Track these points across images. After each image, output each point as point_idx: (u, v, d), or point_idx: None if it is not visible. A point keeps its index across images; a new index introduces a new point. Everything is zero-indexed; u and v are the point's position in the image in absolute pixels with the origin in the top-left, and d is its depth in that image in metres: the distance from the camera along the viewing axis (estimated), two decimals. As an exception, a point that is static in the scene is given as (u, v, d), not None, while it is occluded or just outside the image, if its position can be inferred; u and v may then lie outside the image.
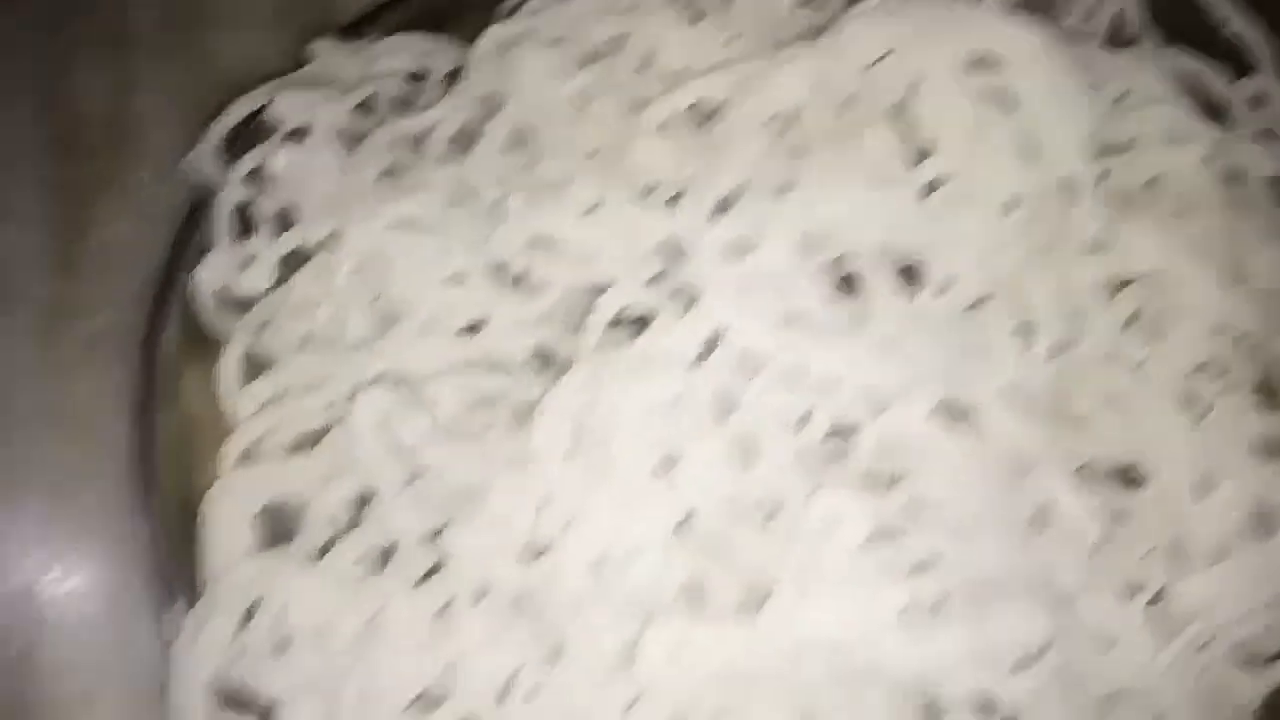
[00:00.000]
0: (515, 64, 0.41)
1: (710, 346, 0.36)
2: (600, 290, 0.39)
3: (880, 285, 0.36)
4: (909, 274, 0.37)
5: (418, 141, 0.43)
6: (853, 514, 0.34)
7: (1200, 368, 0.39)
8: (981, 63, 0.37)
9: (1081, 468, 0.39)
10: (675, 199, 0.38)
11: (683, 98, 0.39)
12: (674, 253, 0.38)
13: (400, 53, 0.47)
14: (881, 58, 0.37)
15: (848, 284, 0.38)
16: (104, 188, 0.51)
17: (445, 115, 0.42)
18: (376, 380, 0.41)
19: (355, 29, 0.49)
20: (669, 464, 0.36)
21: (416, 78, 0.47)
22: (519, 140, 0.41)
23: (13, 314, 0.49)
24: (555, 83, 0.41)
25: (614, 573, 0.36)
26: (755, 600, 0.35)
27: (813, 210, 0.36)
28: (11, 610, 0.45)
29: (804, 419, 0.36)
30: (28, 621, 0.45)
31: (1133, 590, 0.37)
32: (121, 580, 0.46)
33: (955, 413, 0.37)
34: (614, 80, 0.41)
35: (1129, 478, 0.39)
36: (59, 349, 0.49)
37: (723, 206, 0.37)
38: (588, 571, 0.36)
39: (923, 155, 0.37)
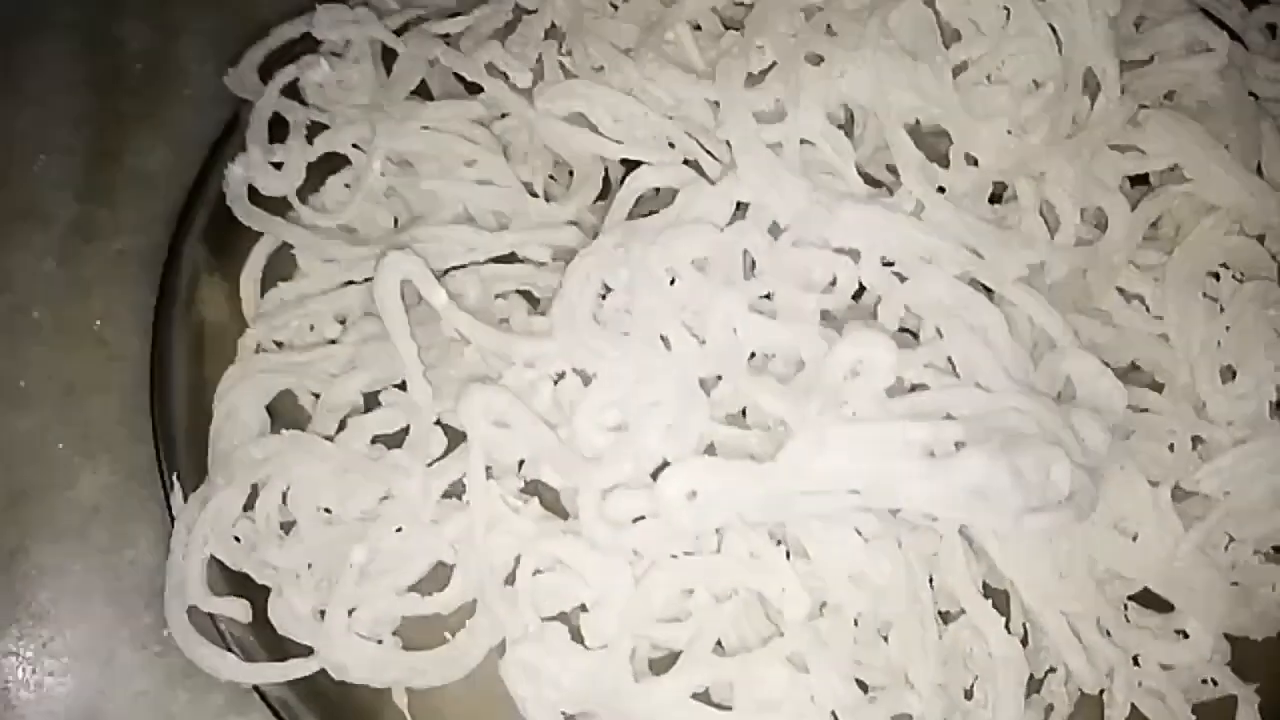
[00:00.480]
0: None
1: (740, 211, 0.36)
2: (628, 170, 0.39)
3: (908, 155, 0.36)
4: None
5: (453, 41, 0.44)
6: (879, 357, 0.33)
7: (1221, 265, 0.39)
8: None
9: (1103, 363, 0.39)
10: (707, 76, 0.39)
11: None
12: (703, 130, 0.39)
13: (441, -8, 0.49)
14: None
15: (871, 181, 0.39)
16: (141, 121, 0.52)
17: (482, 17, 0.43)
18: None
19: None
20: (693, 323, 0.35)
21: (455, 15, 0.49)
22: (556, 35, 0.42)
23: (41, 233, 0.49)
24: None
25: (631, 428, 0.35)
26: (771, 449, 0.34)
27: (842, 79, 0.36)
28: (11, 509, 0.45)
29: (830, 282, 0.36)
30: (26, 522, 0.44)
31: (1155, 483, 0.37)
32: (123, 487, 0.45)
33: (980, 289, 0.36)
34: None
35: (1145, 382, 0.39)
36: (81, 267, 0.49)
37: (756, 79, 0.37)
38: (604, 430, 0.35)
39: (953, 41, 0.38)
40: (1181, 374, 0.37)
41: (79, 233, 0.49)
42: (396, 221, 0.45)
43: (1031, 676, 0.37)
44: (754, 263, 0.36)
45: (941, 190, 0.36)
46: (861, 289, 0.36)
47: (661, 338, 0.35)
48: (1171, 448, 0.37)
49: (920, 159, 0.36)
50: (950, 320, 0.35)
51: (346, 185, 0.45)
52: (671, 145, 0.40)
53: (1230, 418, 0.37)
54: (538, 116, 0.40)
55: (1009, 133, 0.37)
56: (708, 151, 0.39)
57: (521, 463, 0.38)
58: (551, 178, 0.45)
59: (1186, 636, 0.37)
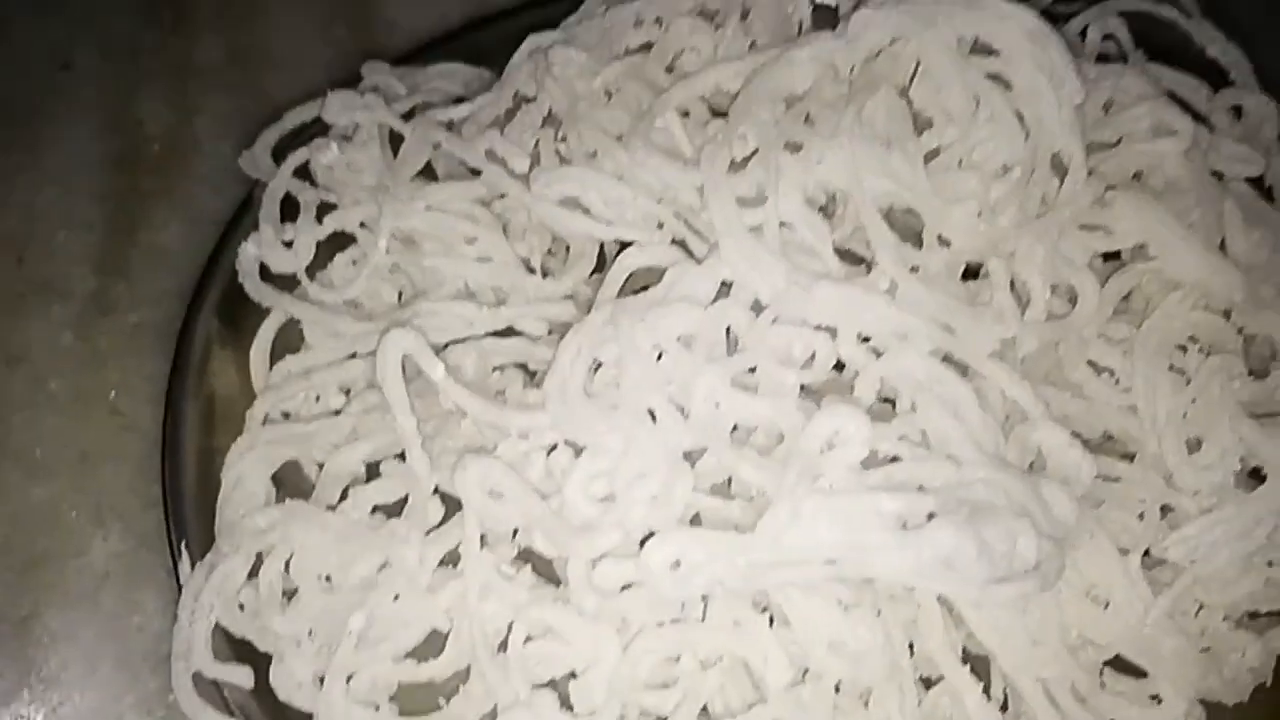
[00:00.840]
0: (551, 58, 0.44)
1: (723, 290, 0.38)
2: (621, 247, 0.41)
3: (881, 237, 0.37)
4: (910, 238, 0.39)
5: (456, 127, 0.46)
6: (854, 430, 0.34)
7: (1188, 339, 0.40)
8: (978, 47, 0.40)
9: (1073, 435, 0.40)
10: (693, 162, 0.41)
11: (702, 82, 0.42)
12: (690, 211, 0.40)
13: (445, 77, 0.52)
14: (888, 44, 0.40)
15: (850, 258, 0.41)
16: (157, 198, 0.54)
17: (484, 105, 0.45)
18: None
19: (402, 60, 0.53)
20: (678, 397, 0.37)
21: (459, 101, 0.51)
22: (552, 123, 0.44)
23: (58, 305, 0.51)
24: (586, 75, 0.44)
25: (619, 496, 0.36)
26: (753, 518, 0.35)
27: (820, 165, 0.38)
28: (25, 576, 0.46)
29: (809, 357, 0.37)
30: (39, 588, 0.46)
31: (1124, 551, 0.38)
32: (133, 554, 0.47)
33: (953, 364, 0.38)
34: (641, 74, 0.44)
35: (1118, 452, 0.40)
36: (97, 339, 0.51)
37: (738, 165, 0.39)
38: (593, 496, 0.37)
39: (925, 129, 0.40)
40: (1150, 444, 0.39)
41: (96, 306, 0.51)
42: (400, 295, 0.47)
43: (1010, 737, 0.38)
44: (737, 339, 0.38)
45: (915, 269, 0.38)
46: (840, 364, 0.38)
47: (649, 411, 0.37)
48: (1141, 516, 0.39)
49: (894, 241, 0.38)
50: (923, 394, 0.36)
51: (353, 262, 0.47)
52: (660, 226, 0.42)
53: (1197, 487, 0.38)
54: (533, 200, 0.42)
55: (979, 215, 0.38)
56: (694, 231, 0.41)
57: (515, 531, 0.40)
58: (549, 252, 0.46)
59: (1160, 701, 0.38)
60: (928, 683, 0.39)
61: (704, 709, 0.38)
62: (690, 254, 0.40)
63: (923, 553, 0.33)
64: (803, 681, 0.37)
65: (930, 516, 0.34)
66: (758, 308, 0.38)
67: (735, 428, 0.37)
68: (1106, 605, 0.38)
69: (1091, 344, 0.40)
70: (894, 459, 0.35)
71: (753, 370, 0.37)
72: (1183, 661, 0.37)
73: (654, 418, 0.37)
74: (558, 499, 0.38)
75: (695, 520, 0.37)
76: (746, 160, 0.39)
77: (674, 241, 0.41)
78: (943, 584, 0.34)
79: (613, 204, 0.41)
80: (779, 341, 0.37)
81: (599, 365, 0.38)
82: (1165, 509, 0.39)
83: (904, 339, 0.37)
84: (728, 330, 0.38)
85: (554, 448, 0.39)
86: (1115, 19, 0.46)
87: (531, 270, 0.45)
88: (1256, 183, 0.43)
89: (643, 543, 0.35)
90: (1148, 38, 0.46)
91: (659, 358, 0.37)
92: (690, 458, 0.37)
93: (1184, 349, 0.40)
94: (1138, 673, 0.39)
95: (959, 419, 0.36)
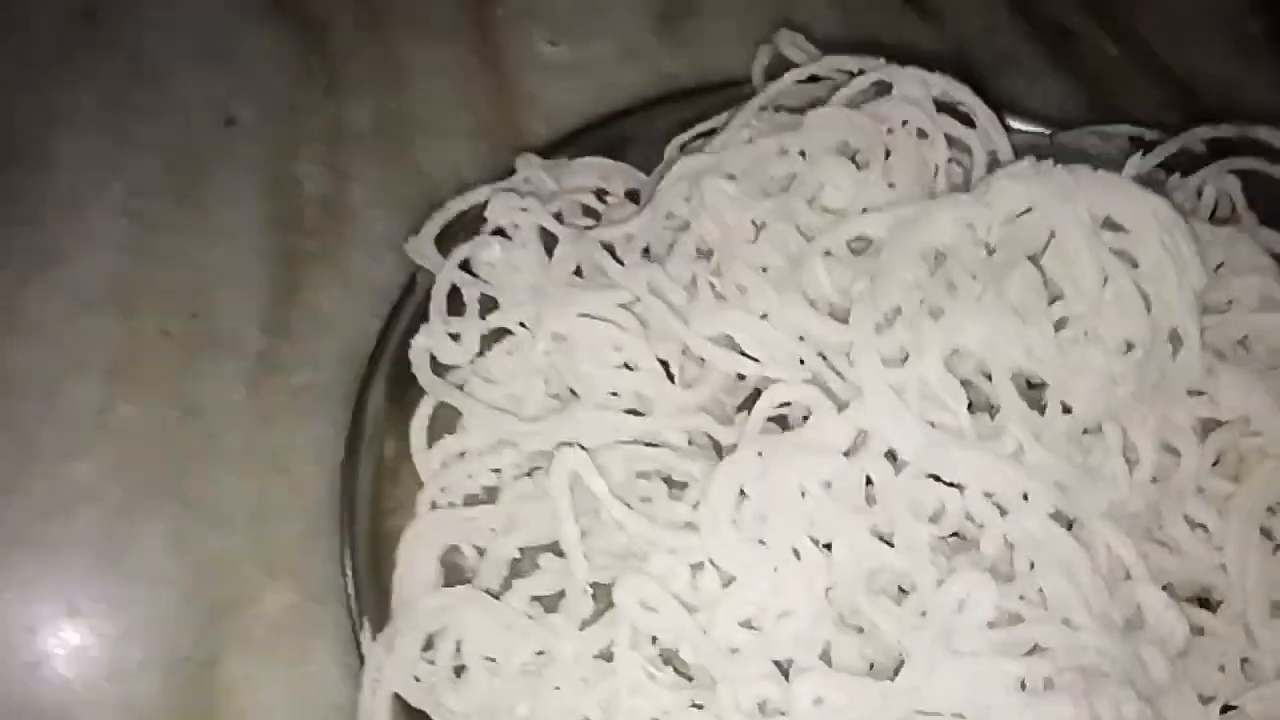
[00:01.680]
0: (704, 188, 0.48)
1: (861, 440, 0.43)
2: (760, 385, 0.46)
3: (1012, 405, 0.42)
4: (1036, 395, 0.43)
5: (610, 249, 0.50)
6: (983, 595, 0.39)
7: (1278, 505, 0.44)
8: (1109, 223, 0.44)
9: (1166, 586, 0.45)
10: (837, 313, 0.45)
11: (849, 229, 0.46)
12: (832, 353, 0.45)
13: (588, 171, 0.56)
14: (1025, 211, 0.44)
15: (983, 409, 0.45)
16: (316, 261, 0.59)
17: (640, 229, 0.49)
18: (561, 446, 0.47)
19: (548, 151, 0.57)
20: (820, 539, 0.42)
21: (600, 194, 0.56)
22: (704, 253, 0.48)
23: (229, 362, 0.56)
24: (737, 209, 0.48)
25: (765, 630, 0.41)
26: (888, 666, 0.41)
27: (961, 332, 0.42)
28: (206, 623, 0.51)
29: (938, 512, 0.42)
30: (222, 636, 0.51)
31: (1206, 699, 0.43)
32: (304, 606, 0.52)
33: (1066, 523, 0.43)
34: (788, 210, 0.48)
35: (1207, 602, 0.45)
36: (266, 397, 0.55)
37: (884, 324, 0.43)
38: (741, 627, 0.42)
39: (1055, 298, 0.44)
40: (1236, 603, 0.43)
41: (264, 365, 0.56)
42: (546, 382, 0.51)
43: None
44: (874, 485, 0.42)
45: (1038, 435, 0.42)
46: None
47: (794, 550, 0.42)
48: (1222, 668, 0.43)
49: (1023, 409, 0.42)
50: (1041, 554, 0.41)
51: (509, 353, 0.52)
52: (801, 362, 0.46)
53: (1275, 649, 0.42)
54: (688, 335, 0.46)
55: (1101, 387, 0.42)
56: (835, 372, 0.45)
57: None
58: (683, 352, 0.51)
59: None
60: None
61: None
62: (830, 393, 0.45)
63: (1042, 716, 0.38)
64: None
65: (1046, 680, 0.39)
66: (893, 457, 0.42)
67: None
68: (1190, 749, 0.42)
69: (1188, 499, 0.44)
70: (1018, 618, 0.40)
71: (888, 519, 0.42)
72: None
73: (798, 556, 0.41)
74: (703, 615, 0.43)
75: (828, 650, 0.42)
76: (890, 317, 0.43)
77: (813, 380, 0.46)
78: None
79: (762, 344, 0.46)
80: (913, 495, 0.41)
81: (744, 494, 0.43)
82: (1244, 660, 0.43)
83: (1026, 500, 0.41)
84: (867, 478, 0.42)
85: (700, 565, 0.44)
86: (1231, 177, 0.49)
87: (670, 375, 0.50)
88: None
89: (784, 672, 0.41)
90: (1262, 196, 0.49)
91: (803, 496, 0.42)
92: (831, 595, 0.42)
93: (1275, 510, 0.44)
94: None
95: (1072, 580, 0.40)
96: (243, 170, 0.61)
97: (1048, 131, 0.59)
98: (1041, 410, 0.43)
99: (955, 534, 0.42)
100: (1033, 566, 0.41)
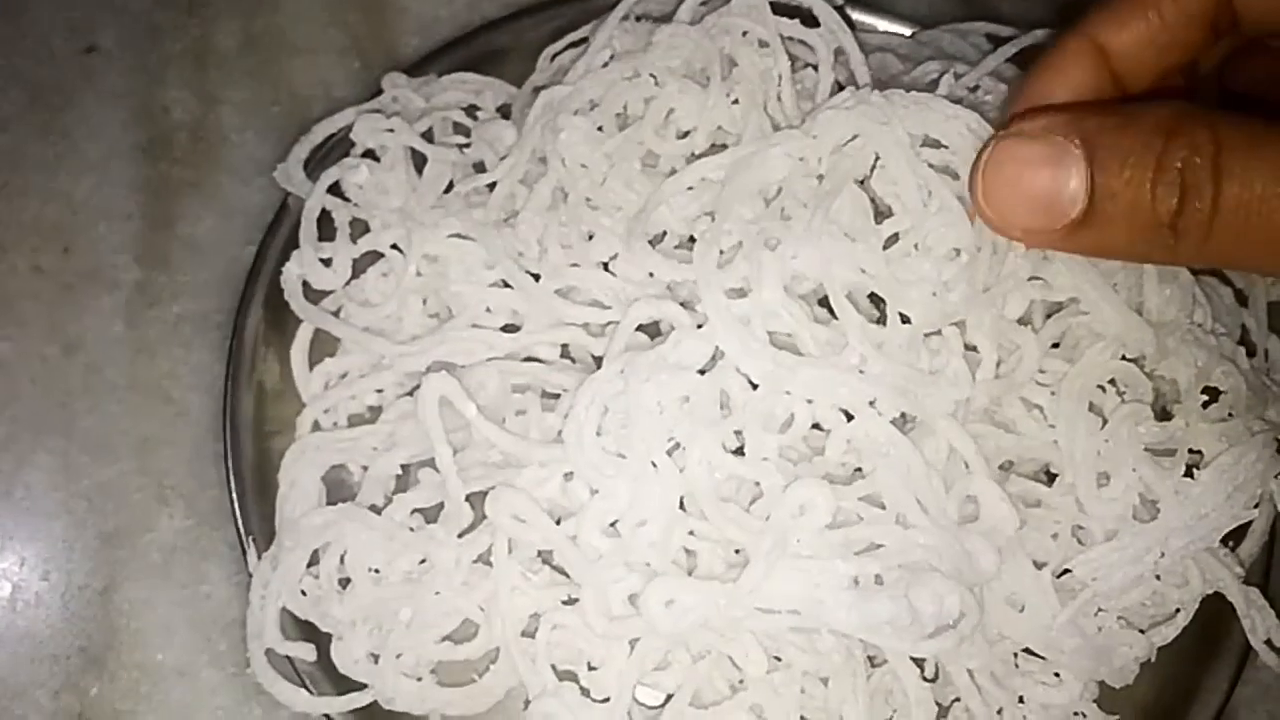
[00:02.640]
0: (559, 126, 0.50)
1: (715, 359, 0.45)
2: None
3: (850, 320, 0.44)
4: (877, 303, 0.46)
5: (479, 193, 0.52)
6: (819, 502, 0.42)
7: (1107, 384, 0.47)
8: (929, 141, 0.45)
9: (1007, 464, 0.48)
10: (682, 246, 0.47)
11: (689, 176, 0.48)
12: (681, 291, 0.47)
13: (457, 88, 0.56)
14: (851, 139, 0.46)
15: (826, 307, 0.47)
16: (188, 189, 0.59)
17: (507, 172, 0.51)
18: (433, 367, 0.49)
19: (417, 67, 0.57)
20: (676, 450, 0.44)
21: (471, 110, 0.56)
22: (558, 198, 0.50)
23: (106, 295, 0.56)
24: (591, 145, 0.49)
25: (626, 536, 0.44)
26: (736, 567, 0.43)
27: (796, 258, 0.44)
28: (101, 552, 0.53)
29: (788, 421, 0.44)
30: (114, 562, 0.53)
31: (1041, 565, 0.46)
32: (196, 530, 0.54)
33: (910, 422, 0.45)
34: (638, 139, 0.50)
35: (1046, 475, 0.48)
36: (145, 329, 0.56)
37: (725, 260, 0.45)
38: (604, 533, 0.44)
39: (884, 216, 0.46)
40: (1067, 476, 0.46)
41: (142, 297, 0.57)
42: (425, 301, 0.53)
43: (939, 705, 0.47)
44: (729, 398, 0.44)
45: (880, 344, 0.44)
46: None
47: (651, 462, 0.44)
48: (1055, 536, 0.47)
49: (861, 323, 0.44)
50: (880, 457, 0.44)
51: (384, 274, 0.53)
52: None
53: (1102, 516, 0.46)
54: (540, 295, 0.48)
55: (933, 294, 0.44)
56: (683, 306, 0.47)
57: (535, 538, 0.47)
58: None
59: (1061, 680, 0.48)
60: (872, 660, 0.48)
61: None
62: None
63: (866, 615, 0.42)
64: (776, 669, 0.46)
65: (877, 577, 0.42)
66: (744, 375, 0.45)
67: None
68: (1022, 609, 0.46)
69: (1025, 383, 0.47)
70: (855, 519, 0.43)
71: (739, 430, 0.44)
72: (1080, 655, 0.46)
73: (655, 468, 0.44)
74: (572, 522, 0.45)
75: (692, 556, 0.45)
76: (730, 253, 0.45)
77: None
78: (883, 640, 0.42)
79: (609, 291, 0.48)
80: (762, 407, 0.44)
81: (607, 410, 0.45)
82: (1076, 528, 0.47)
83: (872, 405, 0.44)
84: (721, 391, 0.44)
85: (569, 475, 0.46)
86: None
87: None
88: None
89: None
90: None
91: (661, 411, 0.44)
92: (685, 502, 0.44)
93: (1104, 388, 0.48)
94: (1045, 654, 0.48)
95: (908, 481, 0.43)
96: (108, 99, 0.60)
97: (909, 32, 0.60)
98: (883, 322, 0.45)
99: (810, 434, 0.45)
100: (871, 470, 0.44)
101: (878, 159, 0.45)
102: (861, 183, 0.46)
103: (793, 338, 0.44)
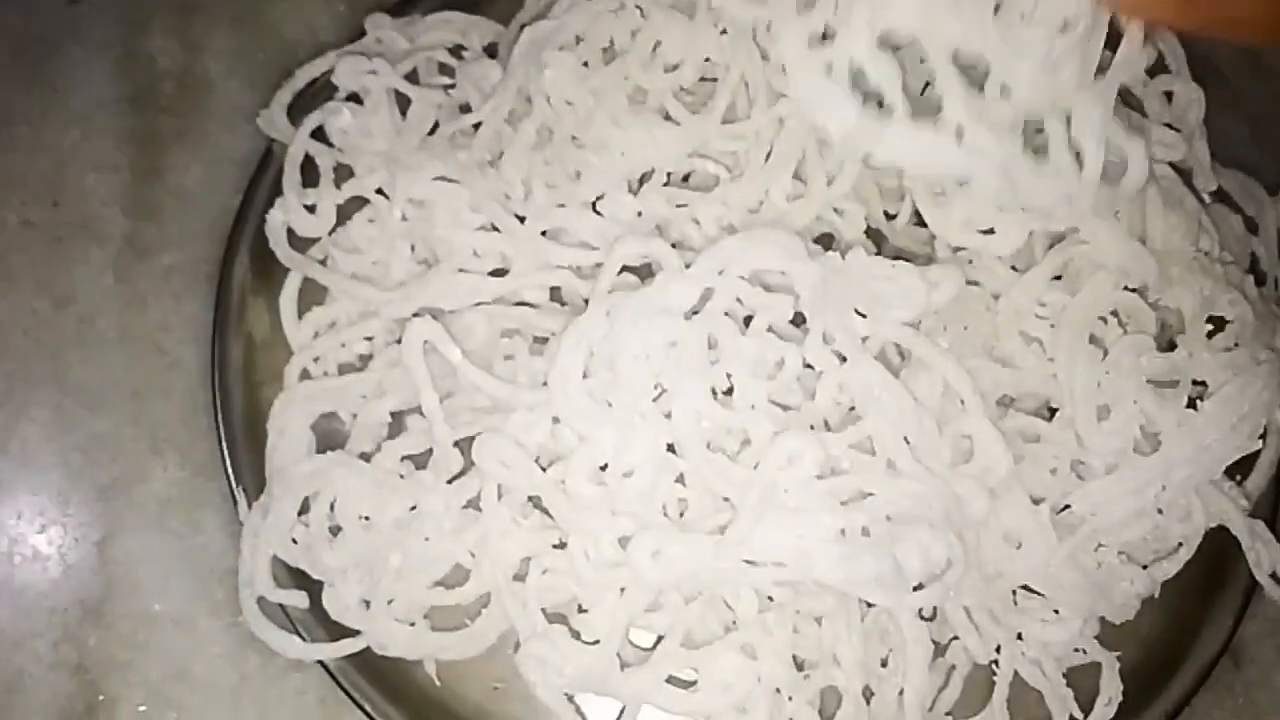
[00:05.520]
0: (544, 62, 0.48)
1: (704, 299, 0.44)
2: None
3: (951, 84, 0.40)
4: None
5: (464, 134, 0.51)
6: (807, 453, 0.41)
7: (1109, 314, 0.46)
8: None
9: (1006, 399, 0.47)
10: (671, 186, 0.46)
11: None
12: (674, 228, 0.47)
13: (442, 28, 0.55)
14: None
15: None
16: (176, 139, 0.58)
17: (493, 111, 0.49)
18: (419, 313, 0.48)
19: (402, 7, 0.56)
20: (664, 396, 0.43)
21: (456, 50, 0.55)
22: (544, 137, 0.49)
23: (95, 248, 0.56)
24: (575, 80, 0.48)
25: (613, 484, 0.43)
26: (725, 512, 0.43)
27: (891, 7, 0.40)
28: (96, 504, 0.53)
29: (778, 366, 0.43)
30: (110, 514, 0.53)
31: (1039, 500, 0.45)
32: (190, 480, 0.53)
33: (905, 360, 0.44)
34: (624, 73, 0.48)
35: (1047, 411, 0.47)
36: (135, 281, 0.55)
37: (807, 5, 0.41)
38: (591, 481, 0.44)
39: None
40: (1066, 409, 0.45)
41: (132, 249, 0.56)
42: (413, 248, 0.52)
43: (936, 644, 0.47)
44: (717, 342, 0.43)
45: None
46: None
47: (638, 411, 0.43)
48: (1054, 471, 0.46)
49: (964, 87, 0.40)
50: (872, 400, 0.43)
51: (370, 220, 0.52)
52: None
53: (1102, 450, 0.45)
54: (526, 237, 0.47)
55: (1043, 68, 0.40)
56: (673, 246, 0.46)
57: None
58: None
59: (1060, 616, 0.47)
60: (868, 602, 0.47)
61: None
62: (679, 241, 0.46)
63: (851, 570, 0.41)
64: (768, 610, 0.45)
65: (864, 530, 0.41)
66: (736, 318, 0.44)
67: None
68: (1019, 546, 0.45)
69: (1025, 316, 0.46)
70: (844, 468, 0.42)
71: (729, 377, 0.43)
72: (1079, 592, 0.45)
73: (642, 416, 0.43)
74: (560, 466, 0.45)
75: (674, 504, 0.44)
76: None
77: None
78: (869, 594, 0.42)
79: (595, 231, 0.47)
80: (754, 352, 0.43)
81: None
82: (1075, 463, 0.46)
83: (967, 184, 0.41)
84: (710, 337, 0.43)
85: (557, 420, 0.45)
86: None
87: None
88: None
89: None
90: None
91: (648, 358, 0.43)
92: (673, 449, 0.43)
93: (1105, 320, 0.46)
94: (1044, 589, 0.47)
95: (899, 425, 0.42)
96: (93, 50, 0.59)
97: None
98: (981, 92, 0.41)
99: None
100: (864, 415, 0.43)
101: None
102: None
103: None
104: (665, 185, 0.49)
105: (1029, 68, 0.40)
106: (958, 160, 0.40)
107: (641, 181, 0.48)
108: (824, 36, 0.40)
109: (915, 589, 0.43)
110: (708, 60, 0.50)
